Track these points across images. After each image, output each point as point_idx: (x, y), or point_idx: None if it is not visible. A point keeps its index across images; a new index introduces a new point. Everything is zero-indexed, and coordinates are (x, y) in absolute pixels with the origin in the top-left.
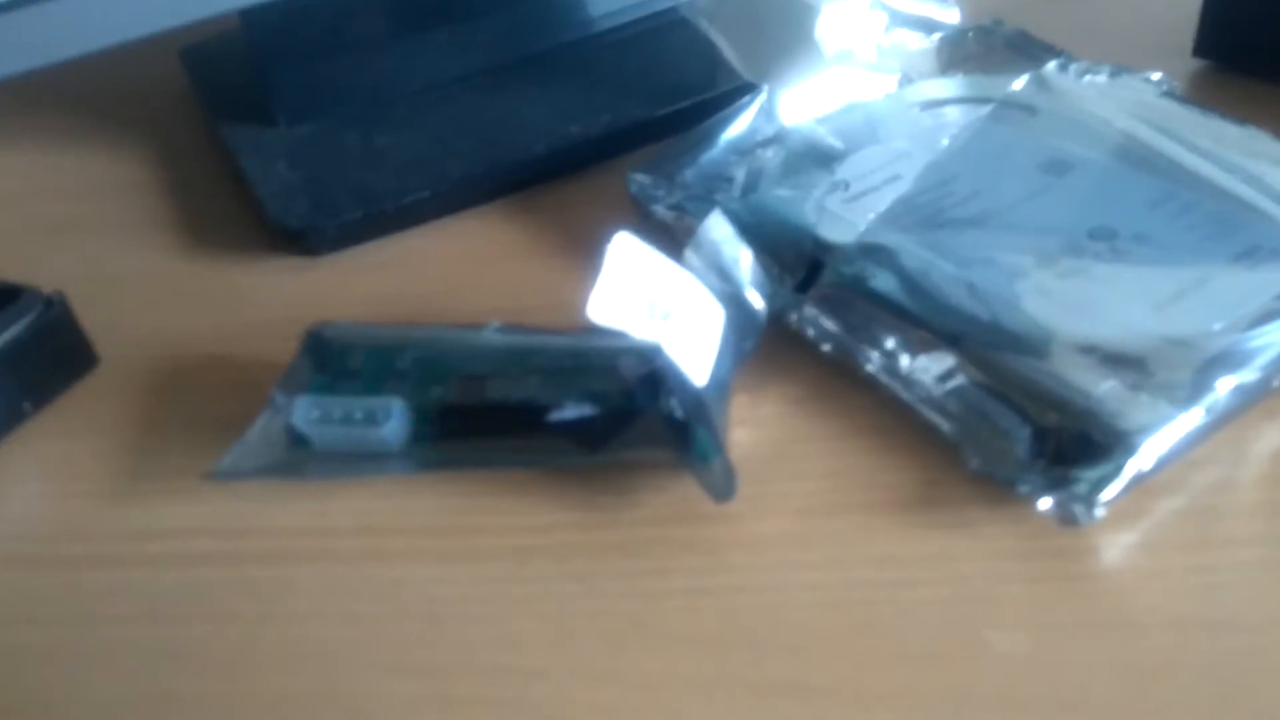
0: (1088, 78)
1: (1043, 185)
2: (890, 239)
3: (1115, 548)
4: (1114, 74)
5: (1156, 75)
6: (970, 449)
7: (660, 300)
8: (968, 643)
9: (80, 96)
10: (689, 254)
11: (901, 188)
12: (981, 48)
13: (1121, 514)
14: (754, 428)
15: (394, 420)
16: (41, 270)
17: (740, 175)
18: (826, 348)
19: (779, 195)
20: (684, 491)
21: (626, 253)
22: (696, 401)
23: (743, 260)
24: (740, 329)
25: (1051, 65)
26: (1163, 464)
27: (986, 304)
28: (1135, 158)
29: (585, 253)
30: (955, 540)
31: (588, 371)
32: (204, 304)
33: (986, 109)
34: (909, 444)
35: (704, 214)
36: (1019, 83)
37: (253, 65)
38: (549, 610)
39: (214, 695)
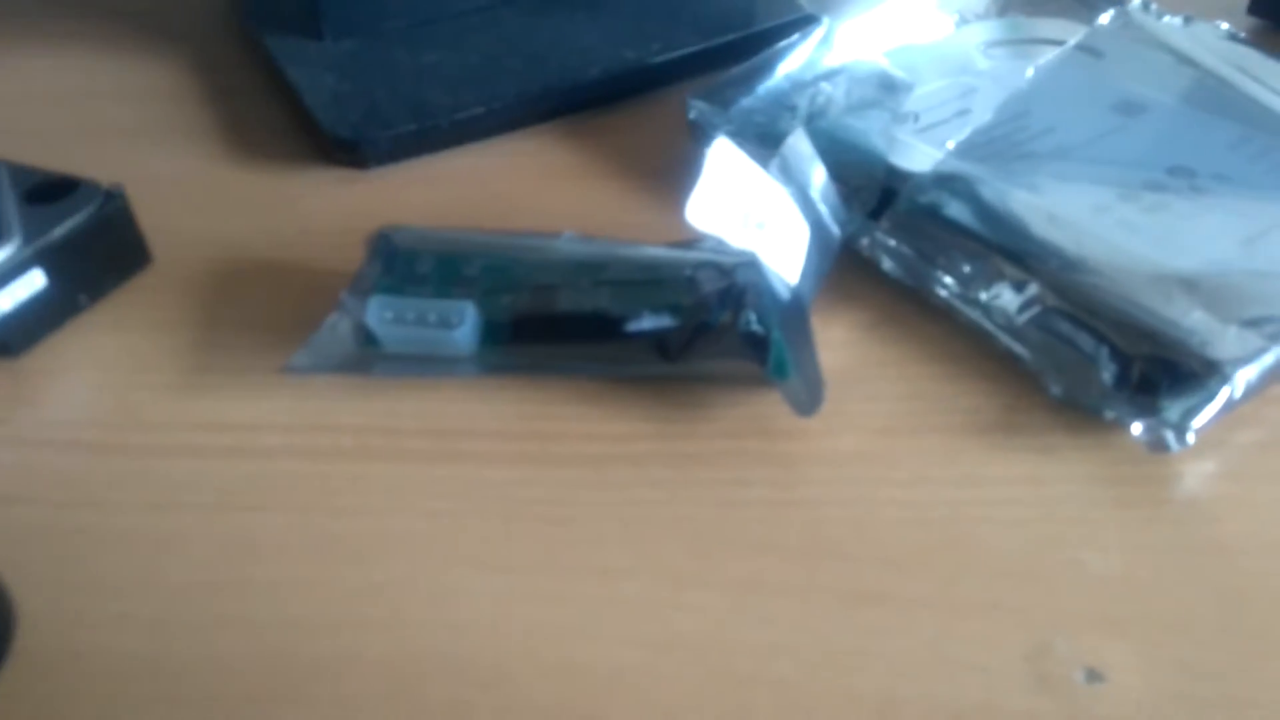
0: (1166, 19)
1: (1116, 124)
2: (968, 168)
3: (1201, 476)
4: (1186, 20)
5: (1224, 24)
6: (1051, 376)
7: (754, 210)
8: (1060, 562)
9: (116, 3)
10: (771, 169)
11: (973, 121)
12: None
13: (1205, 444)
14: (826, 350)
15: (467, 323)
16: (84, 170)
17: (803, 104)
18: (898, 274)
19: (847, 124)
20: (759, 406)
21: (725, 160)
22: (780, 315)
23: (821, 181)
24: (820, 249)
25: (1136, 3)
26: (1248, 395)
27: (1070, 233)
28: (1209, 100)
29: (643, 175)
30: (1040, 464)
31: (663, 284)
32: (253, 210)
33: (1054, 50)
34: (985, 370)
35: (768, 142)
36: (1104, 18)
37: None
38: (629, 515)
39: (291, 582)
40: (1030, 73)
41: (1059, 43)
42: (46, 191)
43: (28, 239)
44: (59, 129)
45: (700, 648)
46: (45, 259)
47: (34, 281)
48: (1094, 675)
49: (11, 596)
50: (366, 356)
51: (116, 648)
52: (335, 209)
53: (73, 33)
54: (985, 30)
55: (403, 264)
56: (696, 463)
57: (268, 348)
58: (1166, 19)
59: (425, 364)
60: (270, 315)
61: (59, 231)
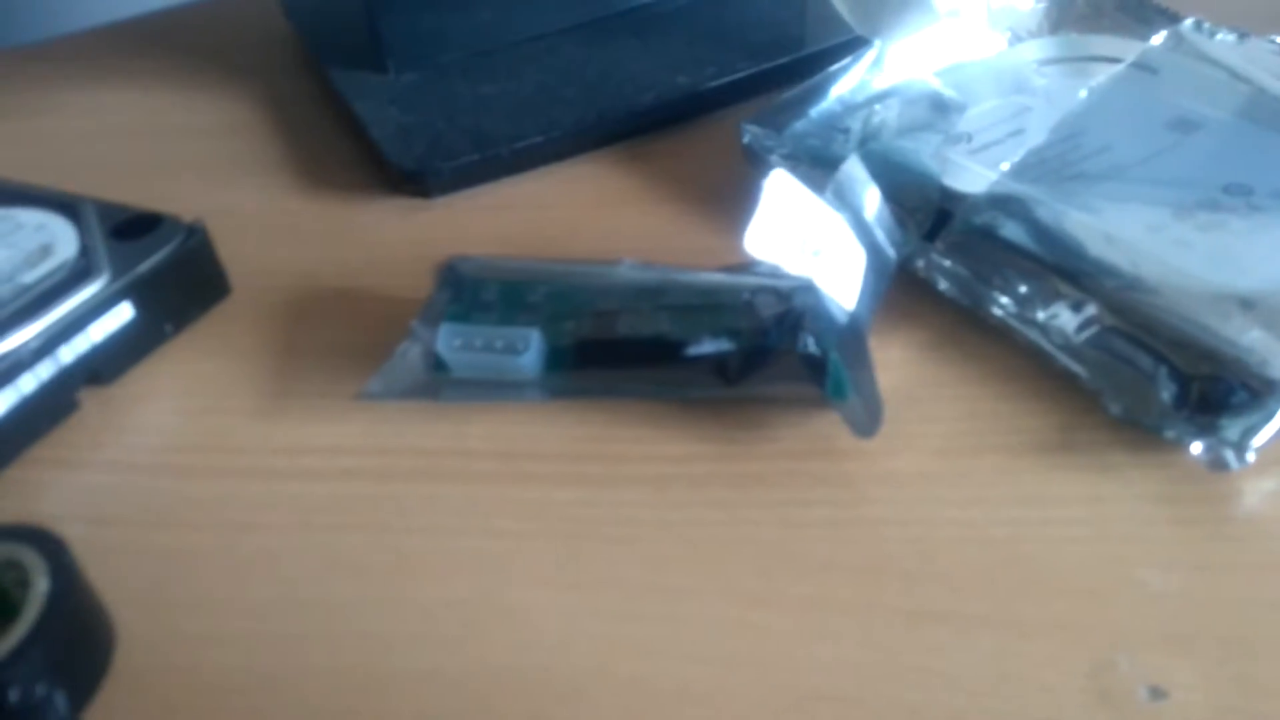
0: (1219, 36)
1: (1171, 142)
2: (1023, 189)
3: (1261, 494)
4: (1241, 36)
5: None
6: (1110, 396)
7: (811, 237)
8: (1122, 580)
9: (186, 42)
10: (827, 196)
11: (1027, 141)
12: (1090, 9)
13: (1265, 462)
14: (883, 371)
15: (533, 349)
16: (161, 203)
17: (856, 126)
18: (954, 294)
19: (900, 146)
20: (817, 428)
21: (781, 189)
22: (838, 339)
23: (876, 205)
24: (876, 272)
25: (1189, 22)
26: None
27: (1126, 253)
28: (1265, 116)
29: (697, 199)
30: (1099, 483)
31: (722, 309)
32: (323, 240)
33: (1108, 68)
34: (1041, 390)
35: (821, 165)
36: (1156, 38)
37: (358, 13)
38: (692, 535)
39: (372, 600)
40: (1084, 93)
41: (1113, 60)
42: (132, 227)
43: (116, 274)
44: (136, 164)
45: (764, 664)
46: (133, 292)
47: (123, 314)
48: (1157, 692)
49: (110, 614)
50: (436, 382)
51: (209, 662)
52: (402, 238)
53: (147, 71)
54: (1038, 48)
55: (469, 293)
56: (757, 483)
57: (342, 373)
58: (1220, 36)
59: (492, 389)
60: (343, 342)
61: (145, 266)
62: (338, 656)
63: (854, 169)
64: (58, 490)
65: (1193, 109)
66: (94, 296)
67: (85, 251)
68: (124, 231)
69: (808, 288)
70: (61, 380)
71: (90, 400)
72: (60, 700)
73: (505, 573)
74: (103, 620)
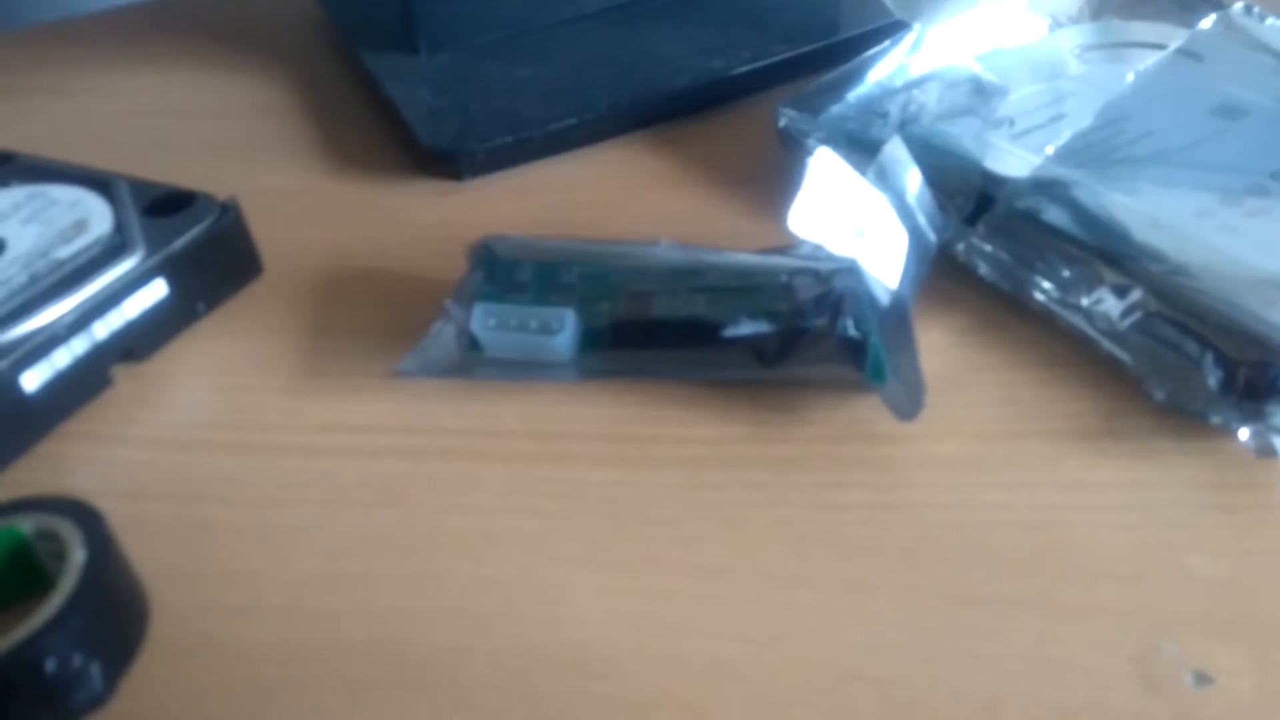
0: (1270, 21)
1: (1217, 128)
2: (1067, 173)
3: None
4: None
5: None
6: (1155, 381)
7: (854, 218)
8: (1168, 565)
9: (217, 24)
10: (869, 176)
11: (1069, 126)
12: None
13: None
14: (923, 355)
15: (567, 329)
16: (190, 184)
17: (895, 110)
18: (995, 279)
19: (941, 130)
20: (855, 411)
21: (826, 168)
22: (880, 321)
23: (917, 188)
24: (918, 255)
25: (1238, 6)
26: None
27: (1172, 238)
28: None
29: (733, 183)
30: (1144, 469)
31: (760, 290)
32: (355, 221)
33: (1150, 54)
34: (1084, 375)
35: (859, 149)
36: (1205, 22)
37: None
38: (729, 516)
39: (409, 575)
40: (1131, 76)
41: (1155, 46)
42: (165, 205)
43: (150, 251)
44: (168, 144)
45: (803, 644)
46: (166, 270)
47: (156, 291)
48: (1202, 678)
49: (144, 587)
50: (470, 361)
51: (244, 636)
52: (433, 219)
53: (181, 52)
54: (1079, 34)
55: (504, 272)
56: (795, 466)
57: (374, 352)
58: (1270, 21)
59: (526, 369)
60: (375, 322)
61: (179, 243)
62: (372, 631)
63: (897, 150)
64: (91, 465)
65: (1240, 95)
66: (128, 273)
67: (119, 228)
68: (157, 209)
69: (848, 270)
70: (96, 356)
71: (124, 377)
72: (96, 671)
73: (541, 551)
74: (137, 592)
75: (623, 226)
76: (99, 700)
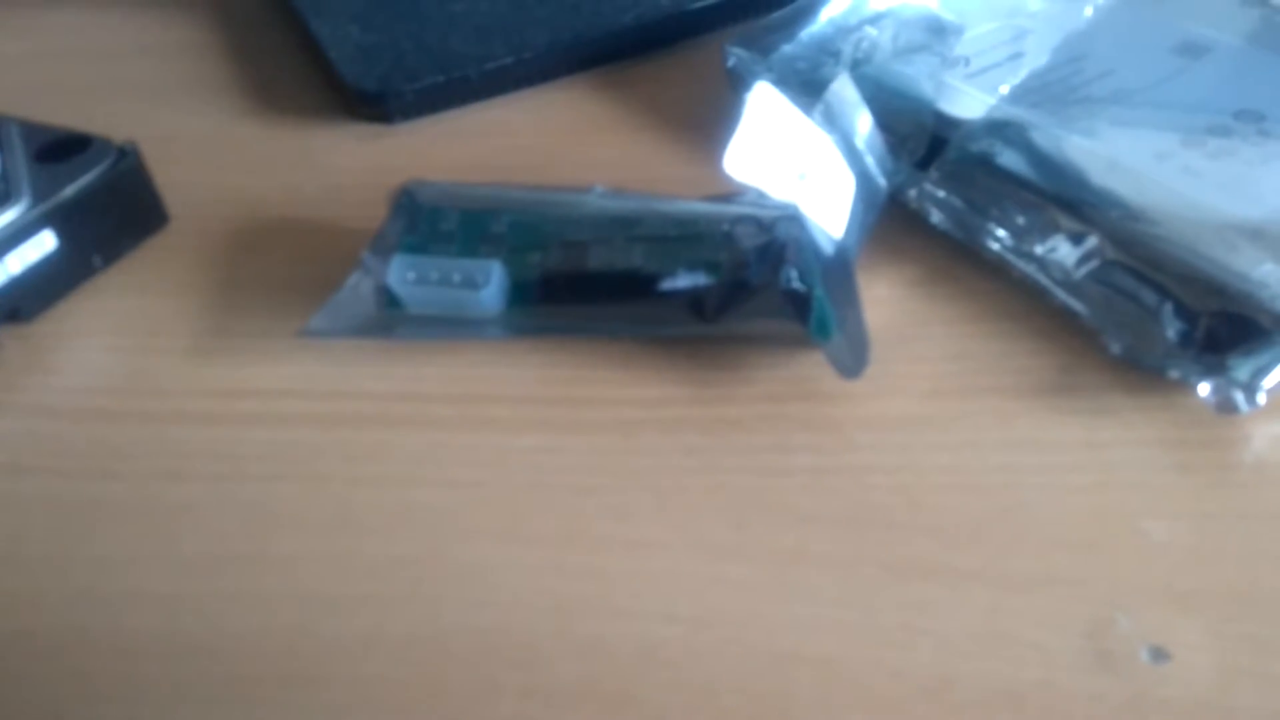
0: None
1: (1178, 67)
2: (1022, 114)
3: (1272, 439)
4: None
5: None
6: (1111, 334)
7: (796, 159)
8: (1122, 531)
9: None
10: (815, 116)
11: (1026, 64)
12: None
13: (1277, 405)
14: (871, 309)
15: (493, 283)
16: (103, 129)
17: (847, 50)
18: (948, 227)
19: (894, 70)
20: (800, 369)
21: (765, 106)
22: (824, 273)
23: (866, 129)
24: (865, 201)
25: None
26: None
27: (1131, 181)
28: (1276, 40)
29: (679, 127)
30: (1099, 427)
31: (700, 240)
32: (274, 167)
33: None
34: (1038, 328)
35: (810, 90)
36: None
37: None
38: (663, 484)
39: (309, 555)
40: (1088, 12)
41: None
42: (58, 150)
43: (37, 199)
44: (77, 86)
45: (739, 623)
46: (55, 219)
47: (44, 243)
48: (1159, 653)
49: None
50: (388, 319)
51: (126, 626)
52: (359, 165)
53: None
54: None
55: (426, 221)
56: (734, 428)
57: (288, 310)
58: None
59: (450, 326)
60: (291, 276)
61: (70, 191)
62: (272, 619)
63: (844, 89)
64: None
65: (1201, 33)
66: (12, 224)
67: (3, 175)
68: (49, 154)
69: (791, 217)
70: None
71: (8, 339)
72: None
73: (459, 526)
74: None
75: (563, 172)
76: None
